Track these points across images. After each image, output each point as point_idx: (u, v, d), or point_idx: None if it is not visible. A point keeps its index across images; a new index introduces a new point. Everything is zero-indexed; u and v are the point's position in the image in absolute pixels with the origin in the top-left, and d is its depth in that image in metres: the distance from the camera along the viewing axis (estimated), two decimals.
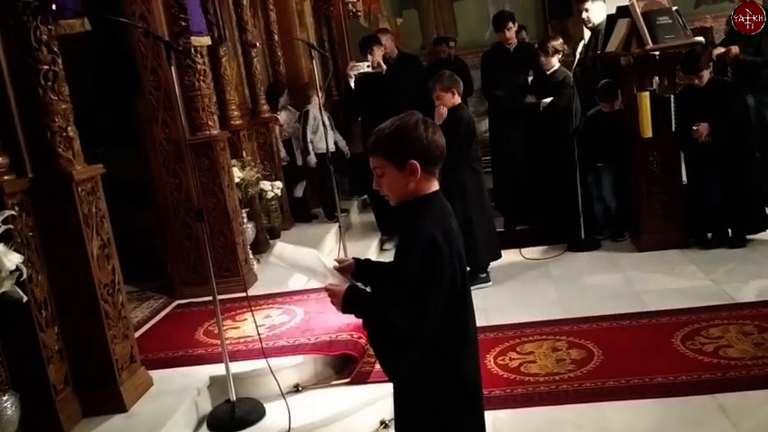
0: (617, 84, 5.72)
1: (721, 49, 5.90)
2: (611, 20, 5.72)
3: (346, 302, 2.01)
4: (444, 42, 8.24)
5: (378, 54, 6.14)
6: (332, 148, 7.05)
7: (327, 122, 7.15)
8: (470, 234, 4.82)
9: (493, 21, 6.90)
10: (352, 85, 6.19)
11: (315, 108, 6.08)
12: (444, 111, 4.95)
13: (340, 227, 5.34)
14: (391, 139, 1.99)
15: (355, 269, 2.18)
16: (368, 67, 6.02)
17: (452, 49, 8.29)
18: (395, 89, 5.92)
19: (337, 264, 2.17)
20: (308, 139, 6.48)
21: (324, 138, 6.99)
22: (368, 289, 2.16)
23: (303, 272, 2.31)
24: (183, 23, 4.48)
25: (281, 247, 2.23)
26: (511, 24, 6.54)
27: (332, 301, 2.06)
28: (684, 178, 5.58)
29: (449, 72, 5.14)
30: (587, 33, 6.43)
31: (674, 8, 5.48)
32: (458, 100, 5.04)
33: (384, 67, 6.15)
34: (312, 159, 6.69)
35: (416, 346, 1.91)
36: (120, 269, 3.31)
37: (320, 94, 5.77)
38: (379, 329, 2.00)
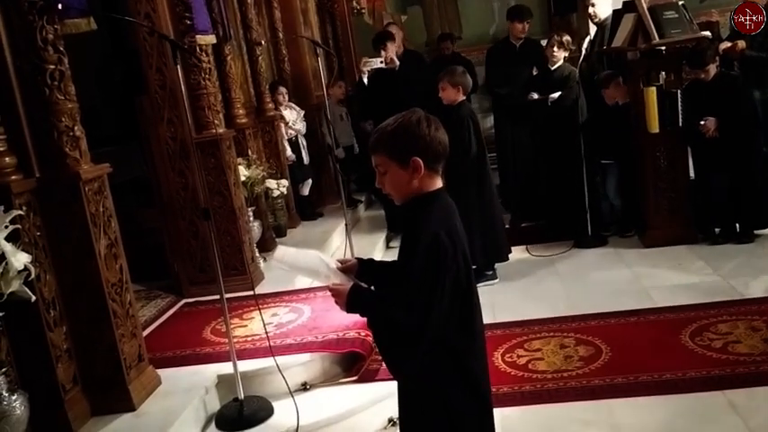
0: (621, 75, 5.70)
1: (728, 44, 5.87)
2: (618, 15, 5.70)
3: (350, 301, 2.00)
4: (449, 39, 8.21)
5: (391, 50, 6.16)
6: (350, 142, 7.09)
7: (344, 117, 7.16)
8: (472, 234, 4.81)
9: (512, 10, 6.95)
10: (365, 81, 6.20)
11: (330, 102, 6.10)
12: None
13: (347, 225, 5.34)
14: (394, 137, 1.97)
15: (359, 269, 2.16)
16: (381, 63, 6.03)
17: (453, 47, 8.25)
18: (407, 85, 5.93)
19: (340, 264, 2.16)
20: (334, 134, 6.44)
21: (344, 131, 7.02)
22: (372, 288, 2.15)
23: (305, 273, 2.30)
24: (188, 22, 4.48)
25: (281, 251, 2.21)
26: (526, 23, 6.62)
27: (336, 301, 2.04)
28: (692, 173, 5.55)
29: (462, 68, 5.14)
30: (593, 29, 6.41)
31: (680, 3, 5.46)
32: (461, 97, 5.03)
33: (397, 62, 6.17)
34: (341, 153, 6.79)
35: (421, 345, 1.89)
36: (127, 268, 3.32)
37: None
38: (383, 328, 1.99)
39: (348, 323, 3.84)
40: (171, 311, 4.59)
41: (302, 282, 4.59)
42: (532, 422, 3.36)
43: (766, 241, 5.30)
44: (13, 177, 2.87)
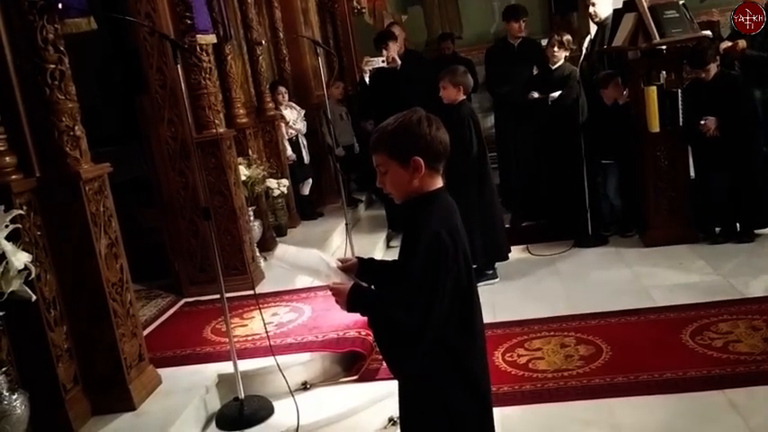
0: (620, 75, 5.69)
1: (728, 43, 5.87)
2: (618, 14, 5.70)
3: (351, 301, 1.99)
4: (449, 38, 8.22)
5: (393, 49, 6.17)
6: (351, 141, 7.09)
7: (345, 116, 7.17)
8: (473, 233, 4.81)
9: (507, 10, 6.97)
10: (367, 80, 6.21)
11: (330, 102, 6.10)
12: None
13: (347, 224, 5.34)
14: (394, 136, 1.97)
15: (359, 268, 2.16)
16: (382, 62, 6.05)
17: (453, 46, 8.26)
18: (408, 84, 5.94)
19: (340, 263, 2.16)
20: (334, 133, 6.43)
21: (345, 130, 7.01)
22: (372, 288, 2.15)
23: (306, 272, 2.30)
24: (189, 22, 4.48)
25: (282, 249, 2.21)
26: (522, 21, 6.63)
27: (336, 301, 2.04)
28: (692, 173, 5.55)
29: (463, 68, 5.15)
30: (593, 28, 6.41)
31: (680, 2, 5.46)
32: (461, 97, 5.04)
33: (399, 62, 6.18)
34: (341, 151, 6.81)
35: (422, 344, 1.90)
36: (127, 268, 3.32)
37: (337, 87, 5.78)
38: (384, 327, 1.99)
39: (348, 322, 3.84)
40: (171, 311, 4.59)
41: (303, 281, 4.59)
42: (533, 422, 3.36)
43: (766, 241, 5.30)
44: (14, 177, 2.87)
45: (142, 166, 5.16)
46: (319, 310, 4.18)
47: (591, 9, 6.18)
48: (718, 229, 5.45)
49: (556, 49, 6.03)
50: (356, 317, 3.41)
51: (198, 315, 4.43)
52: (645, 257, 5.35)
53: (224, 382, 3.47)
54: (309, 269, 2.18)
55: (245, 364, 3.46)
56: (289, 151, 6.48)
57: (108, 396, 3.16)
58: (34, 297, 2.74)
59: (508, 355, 3.99)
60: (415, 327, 1.88)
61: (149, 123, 4.65)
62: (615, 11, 5.82)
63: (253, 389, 3.44)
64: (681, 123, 5.33)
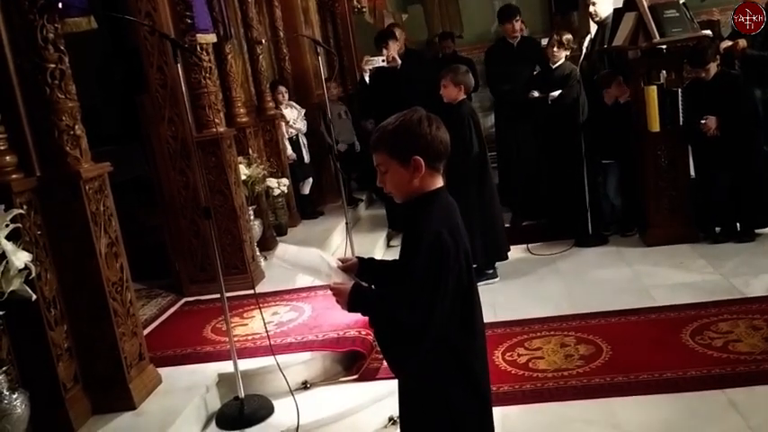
0: (621, 75, 5.69)
1: (729, 43, 5.87)
2: (618, 13, 5.70)
3: (352, 301, 1.99)
4: (449, 38, 8.22)
5: (393, 48, 6.18)
6: (351, 140, 7.08)
7: (344, 115, 7.17)
8: (473, 233, 4.81)
9: (499, 13, 6.97)
10: (367, 79, 6.21)
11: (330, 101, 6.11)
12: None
13: (347, 223, 5.34)
14: (395, 136, 1.98)
15: (359, 268, 2.16)
16: (383, 61, 6.05)
17: (454, 45, 8.26)
18: (408, 83, 5.95)
19: (341, 263, 2.16)
20: (334, 131, 6.43)
21: (345, 129, 7.02)
22: (372, 287, 2.14)
23: (306, 272, 2.30)
24: (189, 21, 4.47)
25: (283, 249, 2.22)
26: (515, 21, 6.64)
27: (337, 300, 2.04)
28: (692, 172, 5.55)
29: (465, 68, 5.16)
30: (594, 27, 6.41)
31: (681, 1, 5.46)
32: (462, 96, 5.04)
33: (399, 61, 6.18)
34: (342, 146, 6.82)
35: (423, 343, 1.90)
36: (128, 267, 3.32)
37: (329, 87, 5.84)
38: (386, 326, 1.99)
39: (349, 322, 3.84)
40: (171, 310, 4.58)
41: (303, 280, 4.59)
42: (533, 421, 3.37)
43: (767, 240, 5.30)
44: (14, 176, 2.87)
45: (143, 166, 5.16)
46: (319, 309, 4.18)
47: (591, 8, 6.18)
48: (718, 229, 5.45)
49: (556, 48, 6.03)
50: (356, 316, 3.41)
51: (198, 314, 4.43)
52: (645, 257, 5.35)
53: (224, 381, 3.47)
54: (310, 268, 2.18)
55: (246, 364, 3.46)
56: (289, 150, 6.48)
57: (108, 395, 3.16)
58: (34, 296, 2.74)
59: (508, 354, 3.99)
60: (419, 325, 1.88)
61: (150, 123, 4.65)
62: (615, 10, 5.82)
63: (253, 388, 3.44)
64: (681, 123, 5.33)
